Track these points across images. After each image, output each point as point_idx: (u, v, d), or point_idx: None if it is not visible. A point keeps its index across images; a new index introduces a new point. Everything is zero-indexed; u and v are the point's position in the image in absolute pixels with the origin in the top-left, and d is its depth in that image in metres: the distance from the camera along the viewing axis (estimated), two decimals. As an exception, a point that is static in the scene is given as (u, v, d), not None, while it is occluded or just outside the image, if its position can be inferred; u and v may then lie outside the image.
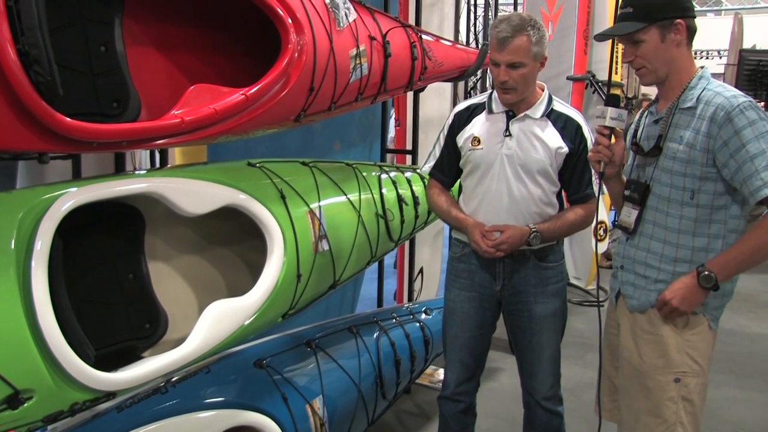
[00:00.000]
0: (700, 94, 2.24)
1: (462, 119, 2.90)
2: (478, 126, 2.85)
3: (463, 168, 2.91)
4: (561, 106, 2.85)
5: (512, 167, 2.75)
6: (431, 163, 3.03)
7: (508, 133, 2.77)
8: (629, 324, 2.43)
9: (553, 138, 2.77)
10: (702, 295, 2.22)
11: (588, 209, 2.83)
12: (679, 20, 2.23)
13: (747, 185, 2.13)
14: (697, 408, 2.33)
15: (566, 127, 2.80)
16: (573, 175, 2.82)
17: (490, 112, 2.83)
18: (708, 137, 2.18)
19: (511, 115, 2.79)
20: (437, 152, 3.00)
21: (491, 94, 2.88)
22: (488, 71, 5.91)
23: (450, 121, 2.95)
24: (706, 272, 2.18)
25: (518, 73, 2.67)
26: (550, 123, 2.79)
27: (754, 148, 2.11)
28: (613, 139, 2.41)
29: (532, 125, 2.78)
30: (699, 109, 2.22)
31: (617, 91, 6.65)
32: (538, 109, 2.79)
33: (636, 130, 2.49)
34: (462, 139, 2.87)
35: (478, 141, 2.81)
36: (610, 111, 2.37)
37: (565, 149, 2.77)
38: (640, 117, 2.51)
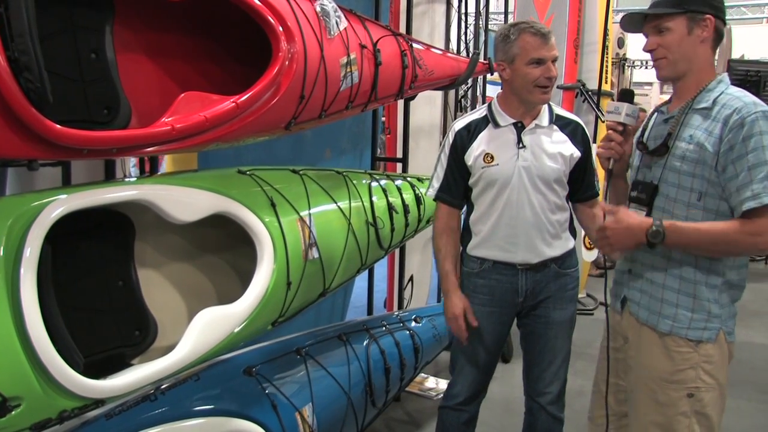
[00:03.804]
0: (717, 97, 2.21)
1: (464, 138, 2.82)
2: (486, 142, 2.78)
3: (473, 186, 2.84)
4: (562, 111, 2.87)
5: (530, 179, 2.73)
6: (435, 186, 2.90)
7: (521, 145, 2.74)
8: (638, 336, 2.38)
9: (564, 144, 2.78)
10: (633, 244, 2.19)
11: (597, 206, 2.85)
12: (708, 15, 2.20)
13: (738, 193, 2.11)
14: (714, 422, 2.27)
15: (573, 131, 2.81)
16: (584, 177, 2.85)
17: (497, 126, 2.79)
18: (720, 139, 2.15)
19: (520, 126, 2.77)
20: (441, 174, 2.88)
21: (490, 108, 2.84)
22: (480, 79, 5.93)
23: (451, 140, 2.86)
24: (659, 228, 2.15)
25: (557, 68, 2.69)
26: (558, 129, 2.79)
27: (755, 158, 2.08)
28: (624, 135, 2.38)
29: (543, 134, 2.77)
30: (714, 111, 2.19)
31: (607, 100, 6.69)
32: (544, 117, 2.79)
33: (644, 130, 2.44)
34: (472, 157, 2.79)
35: (492, 157, 2.75)
36: (626, 107, 2.33)
37: (578, 154, 2.79)
38: (650, 117, 2.47)
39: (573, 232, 2.91)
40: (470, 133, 2.82)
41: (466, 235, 2.93)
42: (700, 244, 2.19)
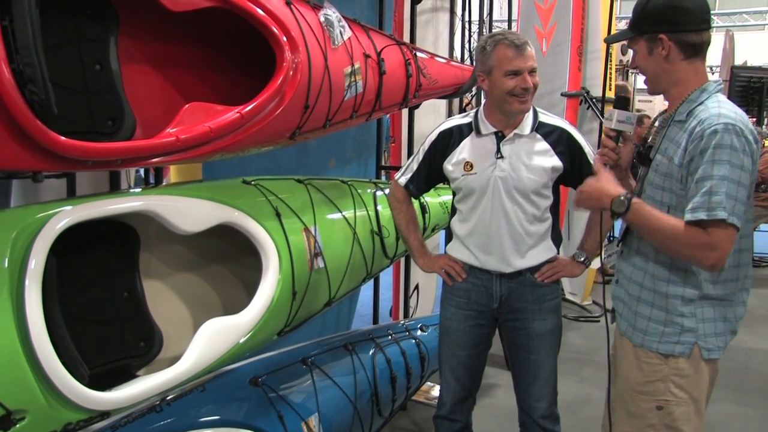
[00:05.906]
0: (694, 108, 2.16)
1: (447, 140, 2.85)
2: (468, 150, 2.80)
3: (455, 192, 2.90)
4: (547, 117, 2.83)
5: (506, 189, 2.73)
6: (408, 176, 2.97)
7: (500, 155, 2.74)
8: (621, 346, 2.40)
9: (545, 155, 2.75)
10: (597, 206, 2.25)
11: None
12: (661, 35, 2.17)
13: (688, 204, 2.08)
14: None
15: (557, 139, 2.77)
16: (578, 184, 2.72)
17: (479, 134, 2.80)
18: (684, 151, 2.12)
19: (500, 136, 2.76)
20: (414, 166, 2.96)
21: (476, 115, 2.84)
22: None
23: (433, 138, 2.89)
24: (625, 199, 2.16)
25: (535, 80, 2.68)
26: (540, 138, 2.76)
27: (703, 171, 2.05)
28: (620, 142, 2.37)
29: (523, 144, 2.75)
30: (687, 123, 2.15)
31: (611, 107, 6.68)
32: (527, 126, 2.76)
33: (645, 139, 2.39)
34: (452, 163, 2.82)
35: (471, 166, 2.77)
36: (617, 114, 2.34)
37: (559, 164, 2.75)
38: (651, 125, 2.42)
39: (557, 242, 2.89)
40: (453, 137, 2.85)
41: (448, 236, 3.00)
42: (653, 232, 2.16)
